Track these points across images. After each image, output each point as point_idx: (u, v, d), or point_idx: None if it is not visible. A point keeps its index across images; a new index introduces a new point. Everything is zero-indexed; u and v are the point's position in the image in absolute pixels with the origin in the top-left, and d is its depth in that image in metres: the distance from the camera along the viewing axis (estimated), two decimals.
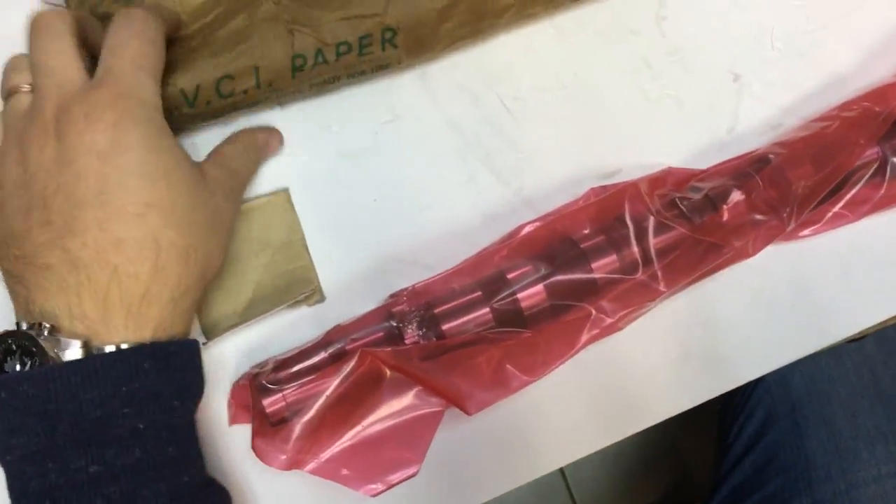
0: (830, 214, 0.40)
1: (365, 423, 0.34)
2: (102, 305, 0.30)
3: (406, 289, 0.37)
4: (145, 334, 0.30)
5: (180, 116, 0.36)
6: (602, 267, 0.37)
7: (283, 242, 0.39)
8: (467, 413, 0.33)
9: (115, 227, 0.30)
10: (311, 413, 0.34)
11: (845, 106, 0.40)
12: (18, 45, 0.40)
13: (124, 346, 0.30)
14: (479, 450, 0.38)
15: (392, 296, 0.37)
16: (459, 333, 0.36)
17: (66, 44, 0.32)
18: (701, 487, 0.92)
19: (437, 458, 0.37)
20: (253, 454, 0.34)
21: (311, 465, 0.34)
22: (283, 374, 0.35)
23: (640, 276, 0.36)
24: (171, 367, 0.31)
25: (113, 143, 0.30)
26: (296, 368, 0.35)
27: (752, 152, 0.41)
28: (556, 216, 0.38)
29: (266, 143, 0.39)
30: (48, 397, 0.28)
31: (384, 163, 0.41)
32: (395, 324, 0.35)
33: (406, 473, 0.34)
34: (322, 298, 0.39)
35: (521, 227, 0.39)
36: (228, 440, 0.37)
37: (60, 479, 0.28)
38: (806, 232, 0.40)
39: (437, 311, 0.36)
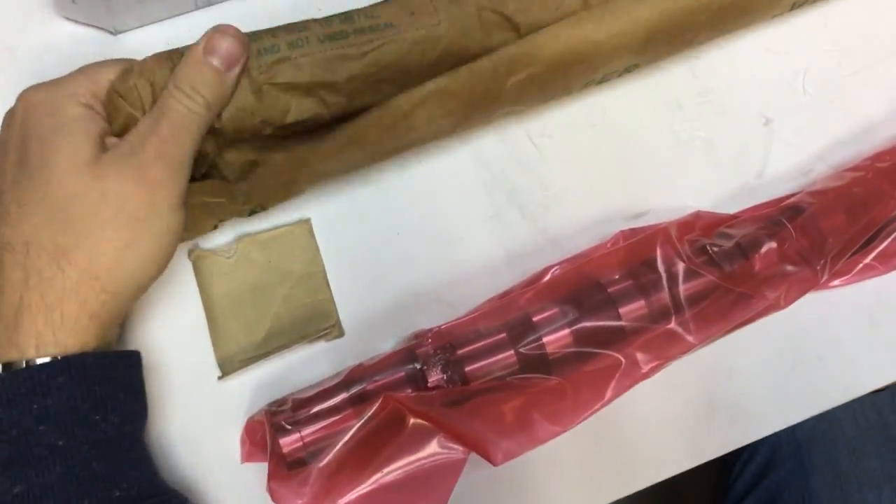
0: (861, 266, 0.39)
1: (386, 469, 0.33)
2: (13, 316, 0.29)
3: (430, 329, 0.36)
4: (68, 345, 0.29)
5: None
6: (630, 312, 0.36)
7: (303, 274, 0.38)
8: (493, 464, 0.32)
9: (32, 219, 0.30)
10: (330, 456, 0.33)
11: (878, 157, 0.40)
12: (39, 61, 0.39)
13: (38, 361, 0.29)
14: (496, 496, 0.37)
15: (416, 336, 0.36)
16: (483, 376, 0.35)
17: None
18: None
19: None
20: (268, 496, 0.33)
21: None
22: (301, 414, 0.34)
23: (670, 324, 0.35)
24: (88, 380, 0.30)
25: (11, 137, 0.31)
26: (315, 409, 0.34)
27: (782, 199, 0.40)
28: (584, 259, 0.37)
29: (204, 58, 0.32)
30: None
31: (409, 196, 0.40)
32: (418, 366, 0.34)
33: None
34: (341, 334, 0.38)
35: (548, 268, 0.38)
36: (242, 478, 0.36)
37: None
38: (836, 282, 0.39)
39: (460, 352, 0.35)
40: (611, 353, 0.35)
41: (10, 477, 0.28)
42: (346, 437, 0.33)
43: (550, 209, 0.40)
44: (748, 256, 0.37)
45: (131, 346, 0.36)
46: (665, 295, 0.36)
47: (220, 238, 0.38)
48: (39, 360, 0.29)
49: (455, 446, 0.33)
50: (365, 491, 0.33)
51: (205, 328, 0.37)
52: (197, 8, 0.40)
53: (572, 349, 0.35)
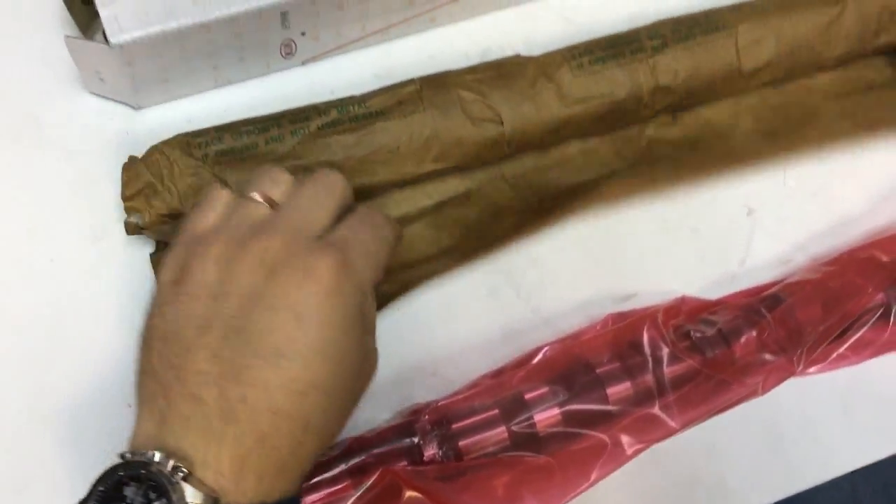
0: (835, 355, 0.41)
1: None
2: (239, 467, 0.27)
3: (427, 405, 0.38)
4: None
5: None
6: (617, 393, 0.38)
7: None
8: None
9: (278, 396, 0.28)
10: None
11: (853, 252, 0.42)
12: (64, 133, 0.41)
13: None
14: None
15: (413, 411, 0.38)
16: (477, 451, 0.37)
17: (333, 205, 0.32)
18: None
19: None
20: None
21: None
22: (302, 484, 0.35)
23: (654, 406, 0.37)
24: None
25: (315, 311, 0.29)
26: (315, 480, 0.35)
27: (763, 288, 0.42)
28: (575, 341, 0.40)
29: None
30: None
31: None
32: (415, 440, 0.36)
33: None
34: None
35: (540, 348, 0.40)
36: None
37: None
38: (811, 370, 0.41)
39: (455, 427, 0.37)
40: (597, 434, 0.36)
41: None
42: None
43: (545, 289, 0.42)
44: (729, 344, 0.39)
45: None
46: (650, 377, 0.38)
47: None
48: None
49: None
50: None
51: None
52: (217, 86, 0.43)
53: (562, 428, 0.37)
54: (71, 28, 0.41)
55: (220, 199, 0.32)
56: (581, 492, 0.35)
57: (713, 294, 0.43)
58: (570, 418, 0.37)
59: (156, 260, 0.39)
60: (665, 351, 0.39)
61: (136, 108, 0.42)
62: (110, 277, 0.40)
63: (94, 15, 0.37)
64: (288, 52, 0.42)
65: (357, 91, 0.41)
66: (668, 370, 0.39)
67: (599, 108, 0.42)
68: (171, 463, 0.27)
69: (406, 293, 0.40)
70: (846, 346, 0.41)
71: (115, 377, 0.38)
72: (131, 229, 0.38)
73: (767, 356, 0.39)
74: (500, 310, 0.42)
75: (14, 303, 0.39)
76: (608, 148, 0.44)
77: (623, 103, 0.42)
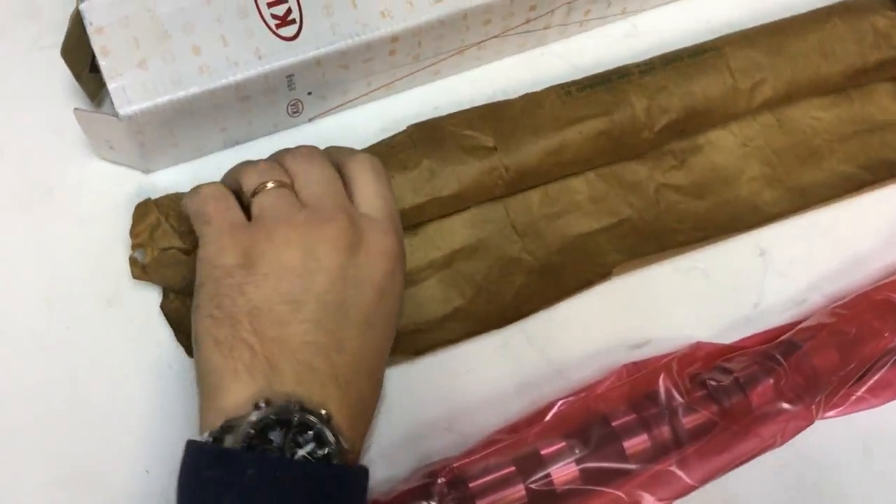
0: (854, 398, 0.41)
1: None
2: (350, 425, 0.31)
3: (442, 465, 0.38)
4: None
5: None
6: (633, 446, 0.38)
7: None
8: None
9: (371, 360, 0.33)
10: None
11: (868, 294, 0.42)
12: (75, 199, 0.41)
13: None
14: None
15: (428, 473, 0.38)
16: None
17: (329, 167, 0.36)
18: None
19: None
20: None
21: None
22: None
23: (671, 460, 0.37)
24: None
25: (390, 284, 0.34)
26: None
27: (778, 332, 0.42)
28: (590, 394, 0.39)
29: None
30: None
31: None
32: (433, 503, 0.36)
33: None
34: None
35: (555, 402, 0.40)
36: None
37: None
38: (830, 413, 0.41)
39: (471, 485, 0.37)
40: (616, 492, 0.36)
41: None
42: None
43: (557, 339, 0.42)
44: (746, 392, 0.39)
45: None
46: (667, 429, 0.38)
47: None
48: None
49: None
50: None
51: None
52: (225, 147, 0.43)
53: (579, 485, 0.37)
54: (80, 96, 0.41)
55: (221, 189, 0.35)
56: None
57: (728, 338, 0.43)
58: (587, 475, 0.37)
59: (167, 308, 0.40)
60: (681, 402, 0.39)
61: (146, 172, 0.42)
62: (125, 341, 0.40)
63: (103, 83, 0.38)
64: (295, 111, 0.42)
65: (361, 145, 0.42)
66: (684, 421, 0.38)
67: (595, 127, 0.42)
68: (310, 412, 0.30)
69: (418, 357, 0.40)
70: (865, 388, 0.41)
71: (133, 441, 0.38)
72: (136, 271, 0.39)
73: (785, 405, 0.38)
74: (514, 360, 0.42)
75: (33, 372, 0.39)
76: (616, 195, 0.44)
77: (620, 124, 0.42)
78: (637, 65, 0.44)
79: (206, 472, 0.28)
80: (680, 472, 0.37)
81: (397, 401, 0.41)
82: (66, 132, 0.42)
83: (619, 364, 0.41)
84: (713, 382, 0.39)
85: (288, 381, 0.30)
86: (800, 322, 0.42)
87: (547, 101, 0.42)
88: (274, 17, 0.38)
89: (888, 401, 0.41)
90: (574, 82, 0.43)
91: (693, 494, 0.40)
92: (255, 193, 0.34)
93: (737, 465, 0.38)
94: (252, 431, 0.29)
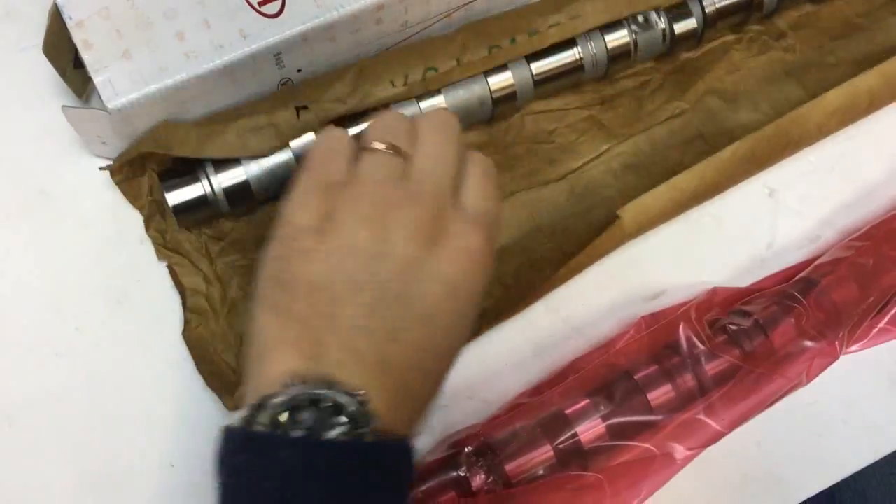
0: (876, 330, 0.40)
1: None
2: (394, 411, 0.29)
3: (468, 433, 0.37)
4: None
5: None
6: (658, 397, 0.38)
7: None
8: None
9: (425, 357, 0.31)
10: None
11: (883, 224, 0.41)
12: (72, 201, 0.41)
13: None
14: None
15: (455, 443, 0.38)
16: (524, 474, 0.36)
17: (455, 151, 0.33)
18: None
19: None
20: None
21: None
22: None
23: (699, 408, 0.37)
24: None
25: (468, 286, 0.31)
26: None
27: (795, 270, 0.41)
28: (610, 349, 0.39)
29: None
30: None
31: None
32: (462, 473, 0.36)
33: None
34: None
35: (575, 360, 0.40)
36: None
37: None
38: (853, 348, 0.40)
39: (500, 452, 0.37)
40: (644, 444, 0.36)
41: None
42: None
43: (572, 298, 0.42)
44: (767, 334, 0.38)
45: None
46: (690, 378, 0.38)
47: None
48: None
49: None
50: None
51: None
52: None
53: (607, 441, 0.37)
54: (66, 94, 0.41)
55: (342, 141, 0.34)
56: None
57: (744, 281, 0.42)
58: (614, 430, 0.37)
59: (189, 336, 0.39)
60: (702, 349, 0.38)
61: None
62: (136, 339, 0.40)
63: (89, 77, 0.37)
64: None
65: None
66: (707, 368, 0.38)
67: None
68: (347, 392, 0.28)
69: None
70: (887, 319, 0.40)
71: (155, 436, 0.38)
72: (160, 249, 0.40)
73: (808, 343, 0.38)
74: (530, 323, 0.41)
75: (49, 377, 0.39)
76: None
77: None
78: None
79: (237, 456, 0.28)
80: (708, 420, 0.36)
81: None
82: (57, 132, 0.41)
83: (637, 316, 0.41)
84: (733, 326, 0.39)
85: (330, 361, 0.29)
86: (815, 259, 0.42)
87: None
88: None
89: None
90: None
91: (722, 449, 0.40)
92: (365, 149, 0.33)
93: (764, 408, 0.37)
94: (283, 411, 0.28)
